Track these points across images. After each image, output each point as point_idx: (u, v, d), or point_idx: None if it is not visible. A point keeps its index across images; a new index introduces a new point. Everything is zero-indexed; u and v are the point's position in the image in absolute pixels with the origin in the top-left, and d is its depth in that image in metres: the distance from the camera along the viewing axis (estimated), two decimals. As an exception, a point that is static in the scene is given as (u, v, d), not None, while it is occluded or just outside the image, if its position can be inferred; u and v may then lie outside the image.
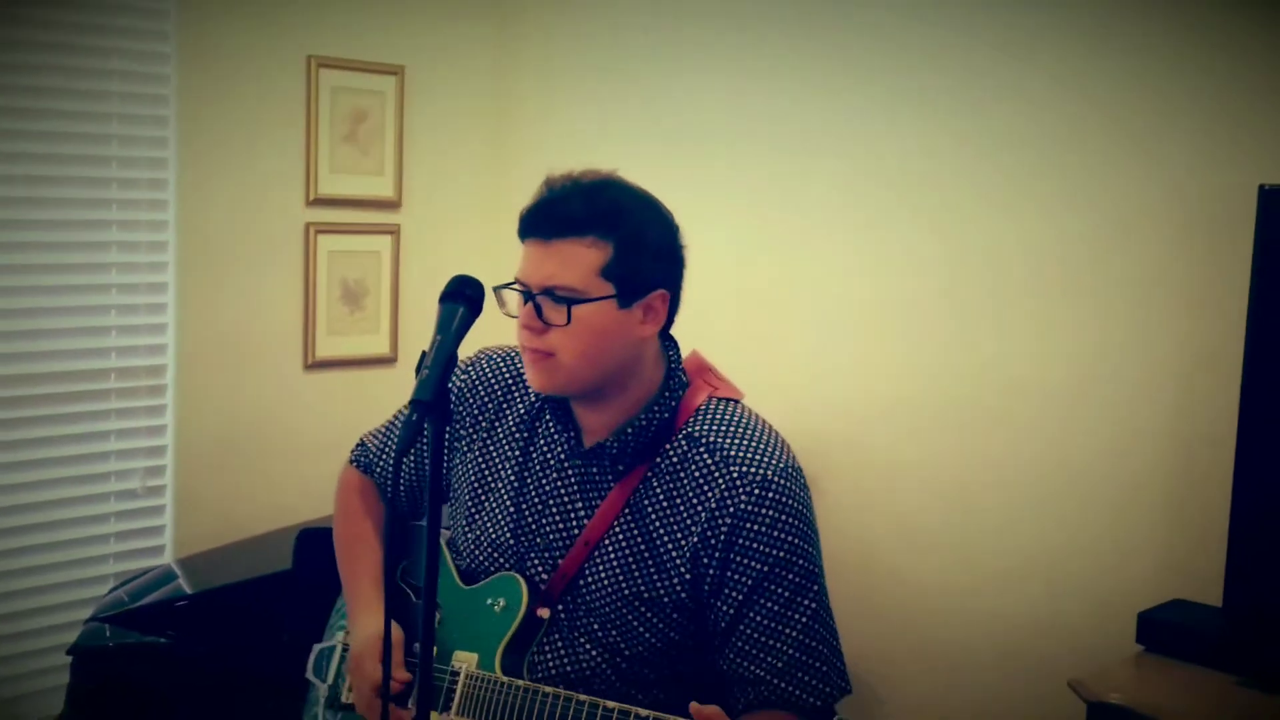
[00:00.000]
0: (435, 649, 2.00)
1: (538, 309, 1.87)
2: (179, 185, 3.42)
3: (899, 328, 3.27)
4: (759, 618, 1.88)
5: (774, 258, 3.50)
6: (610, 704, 1.77)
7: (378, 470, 2.28)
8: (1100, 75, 2.91)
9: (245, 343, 3.58)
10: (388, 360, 3.83)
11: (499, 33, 3.98)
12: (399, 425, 2.26)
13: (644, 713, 1.73)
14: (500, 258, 3.37)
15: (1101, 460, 2.95)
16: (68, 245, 3.29)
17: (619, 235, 1.88)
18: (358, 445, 2.34)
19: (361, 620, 2.09)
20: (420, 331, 3.84)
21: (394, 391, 3.43)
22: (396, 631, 1.99)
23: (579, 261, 1.86)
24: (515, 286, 1.91)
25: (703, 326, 3.52)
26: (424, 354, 1.69)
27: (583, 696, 1.80)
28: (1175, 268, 2.83)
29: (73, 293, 3.31)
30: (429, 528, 1.66)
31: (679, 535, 1.91)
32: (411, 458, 2.20)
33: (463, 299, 1.74)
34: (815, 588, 1.91)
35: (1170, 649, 2.65)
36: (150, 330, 3.44)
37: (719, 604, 1.90)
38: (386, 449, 2.28)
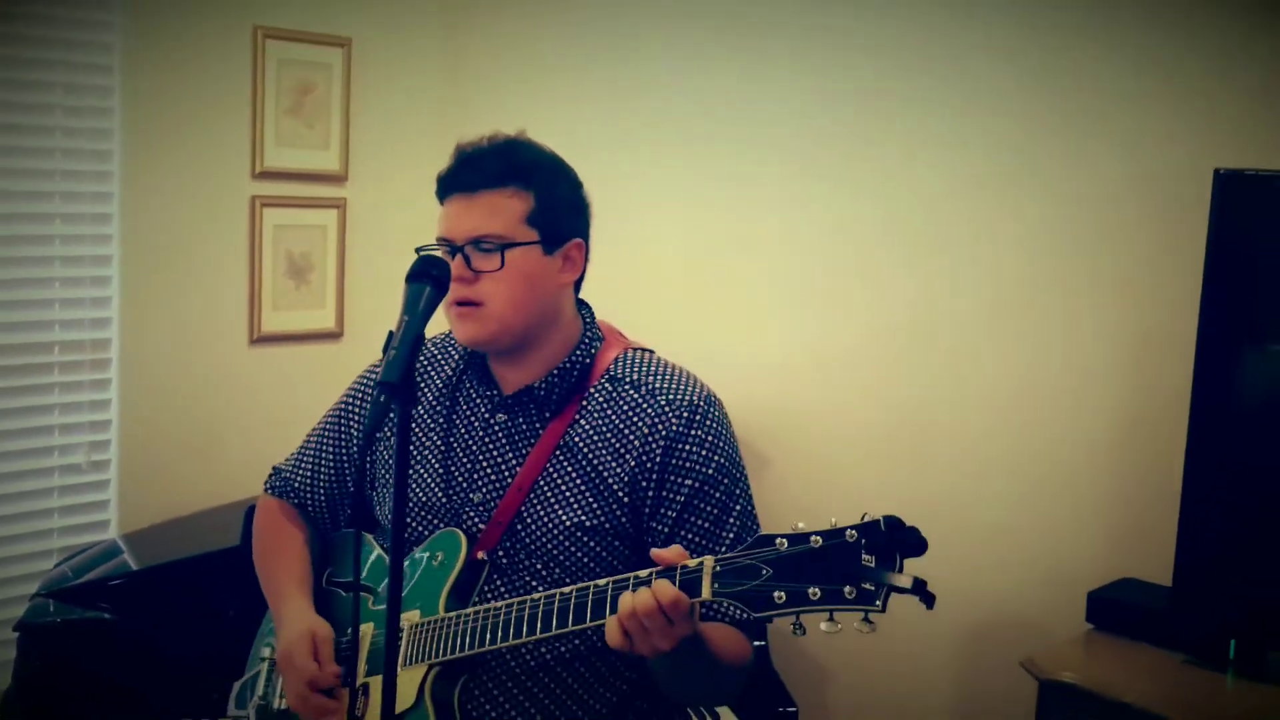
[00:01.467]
0: (374, 625, 2.04)
1: (467, 261, 1.94)
2: (123, 159, 3.36)
3: (850, 311, 3.28)
4: (692, 534, 1.96)
5: (730, 230, 3.49)
6: (566, 589, 1.79)
7: (296, 490, 2.28)
8: (1054, 58, 2.94)
9: (190, 316, 3.53)
10: (334, 335, 3.79)
11: (447, 4, 3.93)
12: (310, 449, 2.27)
13: (602, 582, 1.75)
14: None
15: (1053, 440, 2.98)
16: (9, 217, 3.22)
17: (537, 186, 1.98)
18: (271, 474, 2.35)
19: (287, 620, 2.08)
20: (366, 306, 3.80)
21: (340, 366, 3.41)
22: (325, 628, 2.03)
23: (504, 209, 1.95)
24: (440, 244, 1.98)
25: (664, 306, 3.55)
26: (391, 334, 1.68)
27: (536, 595, 1.82)
28: (1129, 250, 2.86)
29: (14, 265, 3.25)
30: (395, 510, 1.66)
31: (613, 464, 1.98)
32: (332, 465, 2.23)
33: (429, 279, 1.74)
34: (740, 505, 2.00)
35: (1119, 628, 2.70)
36: (94, 304, 3.39)
37: (656, 524, 1.97)
38: (302, 468, 2.28)
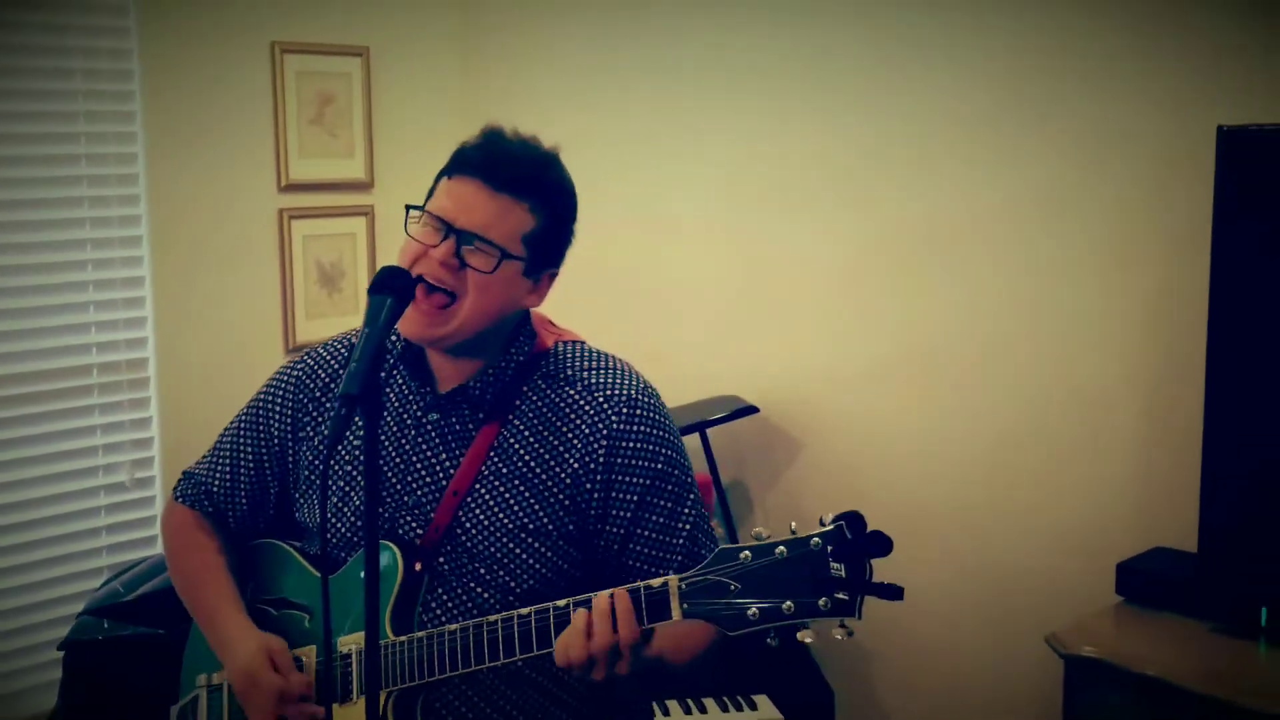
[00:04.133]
0: (317, 648, 1.97)
1: (458, 247, 1.86)
2: (149, 179, 3.43)
3: (865, 293, 3.27)
4: (648, 531, 1.92)
5: (747, 226, 3.49)
6: (524, 610, 1.76)
7: (214, 495, 2.16)
8: (1054, 17, 2.88)
9: (225, 330, 3.59)
10: (371, 341, 3.82)
11: (463, 8, 3.95)
12: (226, 451, 2.16)
13: (561, 603, 1.73)
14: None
15: (1074, 410, 2.94)
16: (41, 245, 3.30)
17: (549, 212, 1.92)
18: (182, 479, 2.23)
19: (235, 641, 1.99)
20: (401, 311, 3.83)
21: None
22: (278, 640, 1.97)
23: (513, 219, 1.88)
24: (426, 214, 1.89)
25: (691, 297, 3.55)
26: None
27: (493, 617, 1.79)
28: (1136, 213, 2.81)
29: (50, 291, 3.32)
30: (366, 516, 1.64)
31: (554, 465, 1.92)
32: (252, 467, 2.12)
33: (391, 290, 1.73)
34: (692, 495, 1.96)
35: (1149, 598, 2.66)
36: (129, 324, 3.46)
37: (608, 527, 1.92)
38: (219, 472, 2.16)
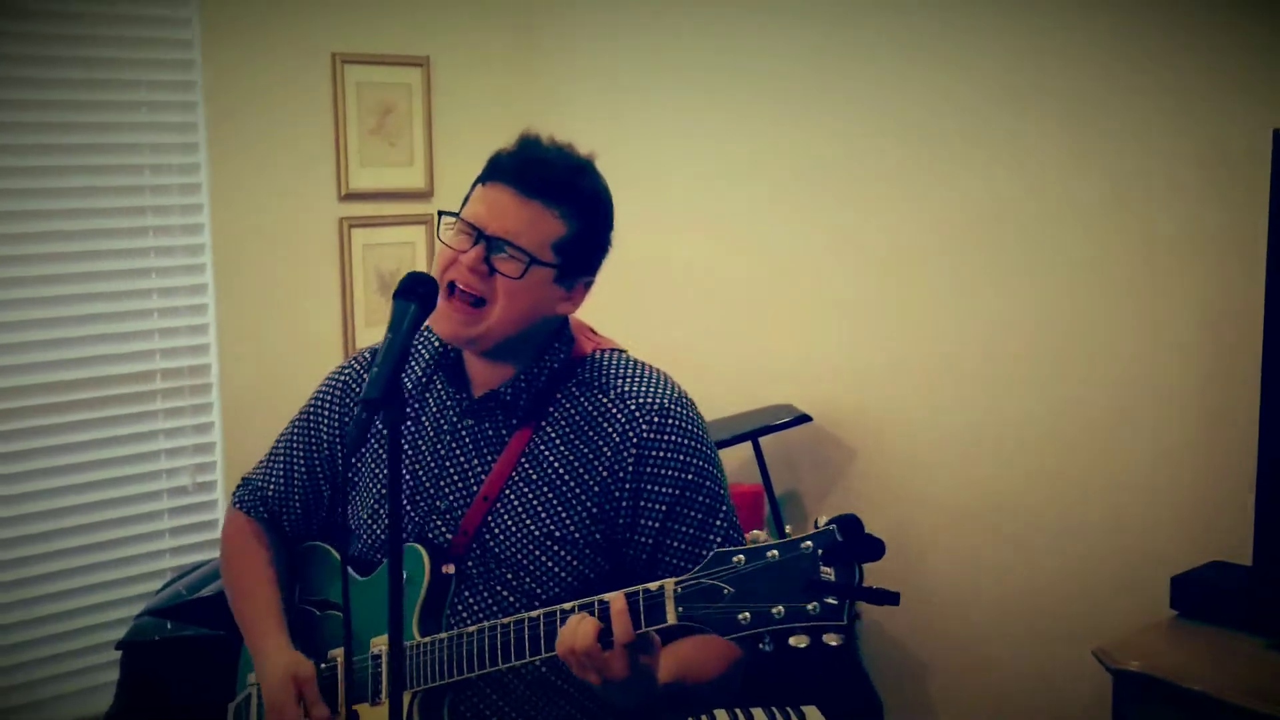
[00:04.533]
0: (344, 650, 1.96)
1: (488, 253, 1.87)
2: (211, 188, 3.49)
3: (922, 300, 3.24)
4: (677, 543, 1.90)
5: (828, 235, 3.47)
6: (534, 613, 1.76)
7: (269, 501, 2.20)
8: (1108, 19, 2.84)
9: (286, 337, 3.64)
10: (431, 348, 3.86)
11: (522, 18, 3.98)
12: (281, 457, 2.19)
13: (567, 606, 1.72)
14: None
15: (1131, 418, 2.89)
16: (106, 253, 3.38)
17: (583, 220, 1.91)
18: (240, 486, 2.27)
19: (268, 660, 2.03)
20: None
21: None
22: (306, 666, 1.98)
23: (543, 227, 1.88)
24: (459, 220, 1.90)
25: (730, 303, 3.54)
26: (375, 352, 1.69)
27: (505, 619, 1.79)
28: (1191, 218, 2.77)
29: (114, 299, 3.40)
30: (390, 526, 1.65)
31: (582, 473, 1.91)
32: (304, 472, 2.15)
33: (415, 296, 1.74)
34: (725, 508, 1.93)
35: (1204, 613, 2.59)
36: (192, 331, 3.53)
37: (637, 537, 1.90)
38: (274, 477, 2.19)
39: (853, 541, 1.51)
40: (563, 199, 1.89)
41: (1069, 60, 2.91)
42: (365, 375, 2.13)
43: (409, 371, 2.08)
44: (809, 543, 1.52)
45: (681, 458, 1.90)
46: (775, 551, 1.54)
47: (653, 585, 1.64)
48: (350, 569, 2.06)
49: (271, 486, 2.20)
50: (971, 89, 3.09)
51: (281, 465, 2.20)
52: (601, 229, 1.95)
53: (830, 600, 1.49)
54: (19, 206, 3.24)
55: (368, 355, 2.17)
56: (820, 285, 3.45)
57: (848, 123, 3.34)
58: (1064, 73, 2.92)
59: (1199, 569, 2.68)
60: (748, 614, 1.54)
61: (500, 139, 4.16)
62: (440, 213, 1.94)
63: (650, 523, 1.90)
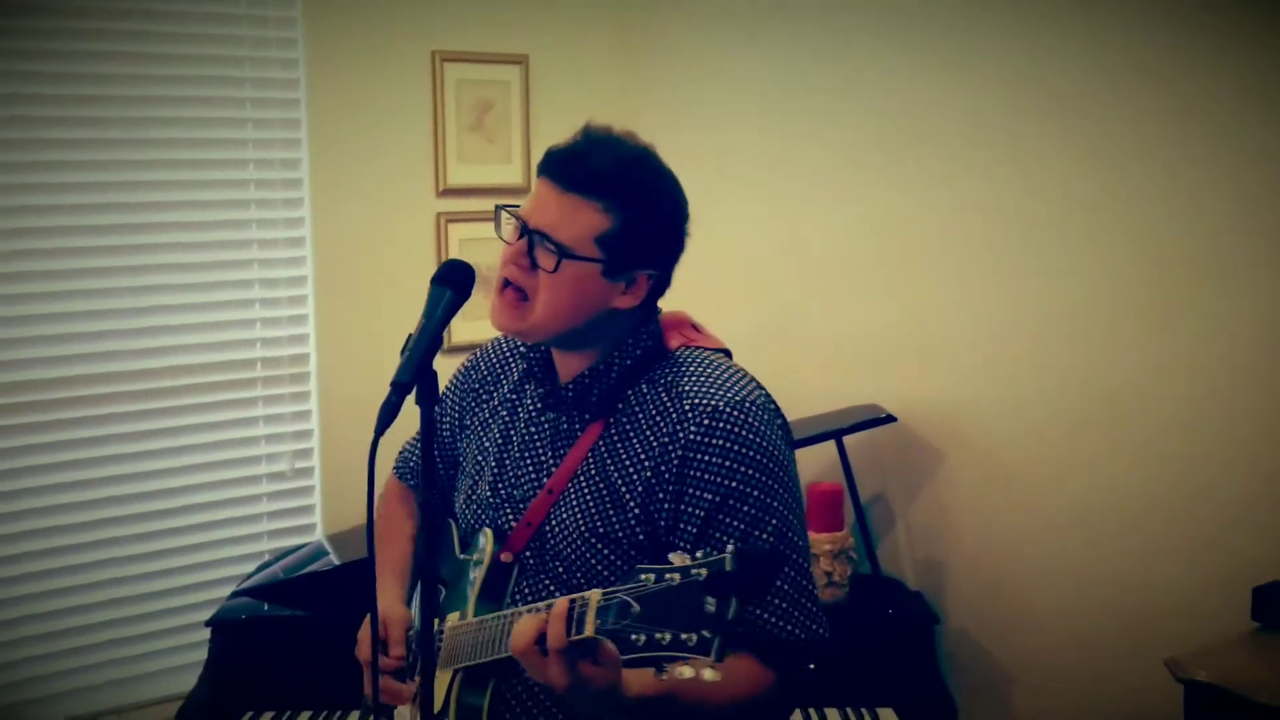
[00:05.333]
0: (436, 620, 2.02)
1: (530, 247, 1.87)
2: (313, 183, 3.59)
3: (1022, 317, 3.20)
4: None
5: (902, 220, 3.45)
6: (541, 604, 1.71)
7: (414, 469, 2.29)
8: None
9: (383, 328, 3.67)
10: (526, 342, 3.92)
11: (621, 16, 4.01)
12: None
13: (542, 605, 1.68)
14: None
15: (1217, 429, 2.82)
16: (212, 244, 3.49)
17: (629, 211, 1.86)
18: (399, 454, 2.35)
19: (380, 602, 2.06)
20: (555, 313, 3.91)
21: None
22: (397, 612, 2.02)
23: (580, 220, 1.85)
24: (513, 213, 1.91)
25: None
26: (409, 336, 1.72)
27: (510, 610, 1.80)
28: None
29: (218, 289, 3.52)
30: (424, 505, 1.70)
31: (632, 472, 1.87)
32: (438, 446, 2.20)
33: (451, 284, 1.77)
34: (774, 522, 1.83)
35: (1286, 624, 2.52)
36: (292, 321, 3.63)
37: (675, 540, 1.84)
38: (416, 448, 2.29)
39: (744, 572, 1.41)
40: (605, 192, 1.85)
41: (1155, 43, 2.85)
42: (481, 365, 2.18)
43: (519, 363, 2.11)
44: (702, 570, 1.43)
45: (727, 463, 1.82)
46: (675, 575, 1.45)
47: (586, 594, 1.57)
48: (455, 546, 2.11)
49: (414, 458, 2.29)
50: (1069, 97, 3.04)
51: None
52: (655, 220, 1.89)
53: (705, 633, 1.41)
54: (132, 199, 3.37)
55: (487, 346, 2.20)
56: (911, 283, 3.42)
57: (925, 116, 3.31)
58: (1147, 60, 2.86)
59: (1283, 581, 2.60)
60: (642, 636, 1.46)
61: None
62: (498, 207, 1.95)
63: (688, 527, 1.83)
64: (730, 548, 1.42)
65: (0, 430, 3.24)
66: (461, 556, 2.06)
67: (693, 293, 3.36)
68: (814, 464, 3.44)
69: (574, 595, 1.58)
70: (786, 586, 1.84)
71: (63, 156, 3.27)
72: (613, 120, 4.05)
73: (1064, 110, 3.06)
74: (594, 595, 1.54)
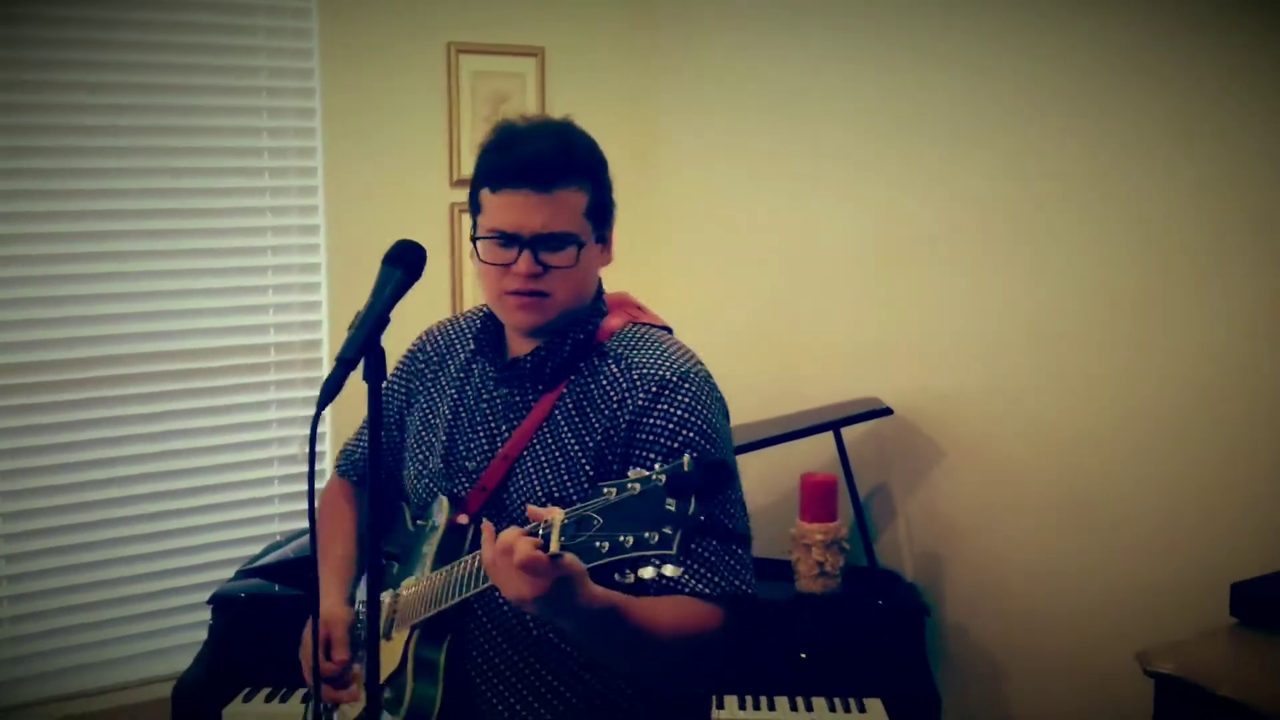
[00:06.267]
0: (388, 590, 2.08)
1: (535, 255, 1.93)
2: (327, 173, 3.65)
3: (1019, 312, 3.19)
4: None
5: (904, 219, 3.44)
6: None
7: (355, 464, 2.34)
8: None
9: (395, 318, 3.71)
10: (539, 332, 3.95)
11: (635, 8, 4.03)
12: (365, 423, 2.29)
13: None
14: (643, 228, 3.48)
15: (1208, 422, 2.80)
16: (226, 231, 3.57)
17: (592, 180, 1.98)
18: (340, 452, 2.41)
19: (321, 607, 2.11)
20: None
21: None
22: (338, 614, 2.08)
23: (571, 206, 1.95)
24: (495, 235, 1.95)
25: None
26: (357, 314, 1.77)
27: (469, 556, 1.85)
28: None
29: (232, 275, 3.60)
30: (369, 483, 1.73)
31: (585, 437, 1.96)
32: (383, 436, 2.21)
33: (403, 264, 1.81)
34: None
35: (1265, 622, 2.49)
36: (305, 308, 3.70)
37: None
38: (362, 442, 2.34)
39: (701, 474, 1.52)
40: (575, 174, 1.95)
41: (1188, 36, 2.85)
42: (429, 346, 2.24)
43: (467, 344, 2.18)
44: (662, 476, 1.54)
45: (670, 425, 1.92)
46: (636, 485, 1.56)
47: (550, 515, 1.65)
48: (408, 520, 2.16)
49: (358, 453, 2.35)
50: (1085, 89, 3.03)
51: (365, 430, 2.32)
52: (607, 178, 2.03)
53: (666, 530, 1.51)
54: (149, 185, 3.45)
55: (436, 327, 2.26)
56: (911, 277, 3.42)
57: (963, 111, 3.31)
58: (1179, 49, 2.87)
59: (1264, 578, 2.58)
60: (605, 543, 1.56)
61: (612, 129, 4.21)
62: (474, 238, 2.00)
63: None
64: (687, 456, 1.53)
65: (16, 410, 3.34)
66: (413, 527, 2.11)
67: (696, 284, 3.44)
68: (812, 456, 3.44)
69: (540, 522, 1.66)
70: (715, 542, 1.91)
71: (81, 143, 3.36)
72: (627, 113, 4.12)
73: (1064, 110, 3.06)
74: (558, 514, 1.62)
